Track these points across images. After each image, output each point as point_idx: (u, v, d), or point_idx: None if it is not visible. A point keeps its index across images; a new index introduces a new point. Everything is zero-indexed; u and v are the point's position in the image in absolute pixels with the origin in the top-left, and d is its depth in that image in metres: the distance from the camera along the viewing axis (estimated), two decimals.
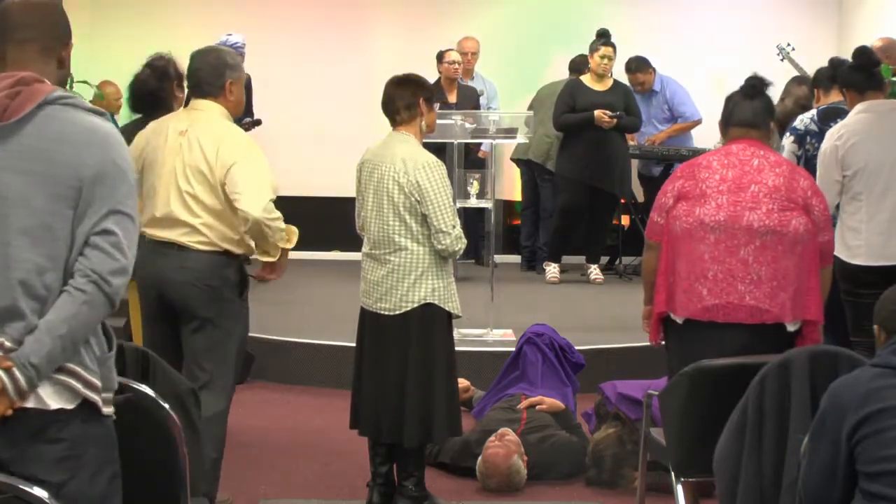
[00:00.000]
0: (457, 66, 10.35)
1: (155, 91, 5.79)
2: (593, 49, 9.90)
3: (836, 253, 5.92)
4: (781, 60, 9.62)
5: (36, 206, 3.04)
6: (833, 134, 6.04)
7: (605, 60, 9.87)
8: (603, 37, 9.97)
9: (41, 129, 3.07)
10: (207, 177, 5.07)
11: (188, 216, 5.10)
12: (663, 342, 5.07)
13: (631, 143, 10.71)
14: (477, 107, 9.94)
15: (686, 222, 4.89)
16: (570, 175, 10.07)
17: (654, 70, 10.83)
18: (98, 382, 3.12)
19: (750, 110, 5.01)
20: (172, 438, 3.59)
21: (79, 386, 3.08)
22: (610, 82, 10.03)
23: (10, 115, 3.05)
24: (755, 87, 5.10)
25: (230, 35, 9.93)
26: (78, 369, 3.08)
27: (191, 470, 3.73)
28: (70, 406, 3.07)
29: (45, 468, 3.05)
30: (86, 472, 3.11)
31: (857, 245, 5.94)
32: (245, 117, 8.75)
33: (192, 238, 5.11)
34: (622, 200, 10.62)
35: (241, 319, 5.32)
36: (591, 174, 9.93)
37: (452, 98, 10.18)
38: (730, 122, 5.04)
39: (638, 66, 10.78)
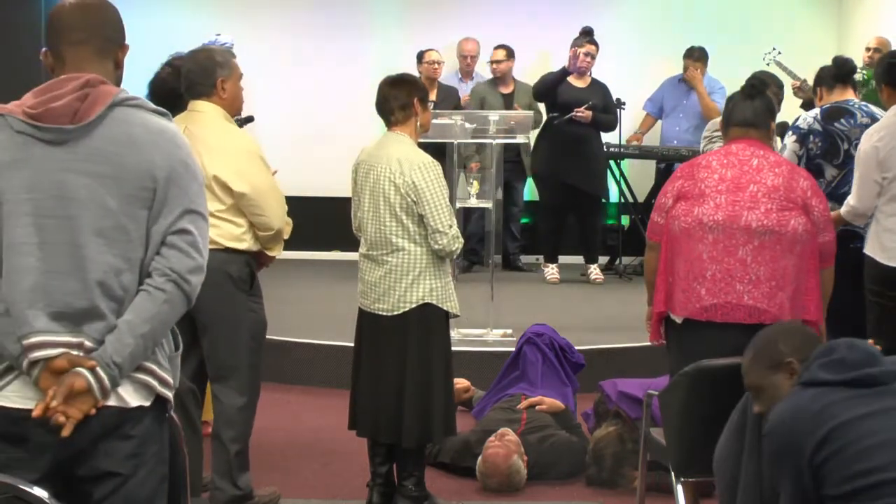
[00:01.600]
0: (436, 66, 10.38)
1: (175, 90, 5.81)
2: (576, 45, 9.94)
3: (869, 253, 5.92)
4: (767, 65, 9.62)
5: (109, 207, 3.08)
6: (872, 135, 5.98)
7: (588, 58, 9.91)
8: (587, 34, 10.02)
9: (109, 131, 3.10)
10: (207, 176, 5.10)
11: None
12: (664, 342, 5.07)
13: (635, 141, 10.77)
14: (457, 107, 9.93)
15: (685, 222, 4.89)
16: (548, 174, 10.12)
17: (706, 68, 10.88)
18: (171, 379, 3.21)
19: (750, 110, 5.01)
20: (173, 439, 3.59)
21: (155, 383, 3.15)
22: (589, 80, 10.10)
23: (80, 117, 3.08)
24: (755, 87, 5.10)
25: (218, 35, 9.89)
26: (154, 367, 3.15)
27: (191, 470, 3.73)
28: (147, 403, 3.14)
29: (116, 462, 3.10)
30: (144, 470, 3.17)
31: (893, 247, 5.89)
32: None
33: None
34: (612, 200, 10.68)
35: (252, 313, 5.38)
36: (569, 173, 9.97)
37: (432, 97, 10.19)
38: (730, 122, 5.04)
39: (700, 55, 10.83)
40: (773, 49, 9.82)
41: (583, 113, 9.87)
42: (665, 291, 4.94)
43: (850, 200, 5.99)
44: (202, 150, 5.06)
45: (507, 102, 10.47)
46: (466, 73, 11.12)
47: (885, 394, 3.25)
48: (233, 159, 5.14)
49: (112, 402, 3.06)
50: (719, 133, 5.58)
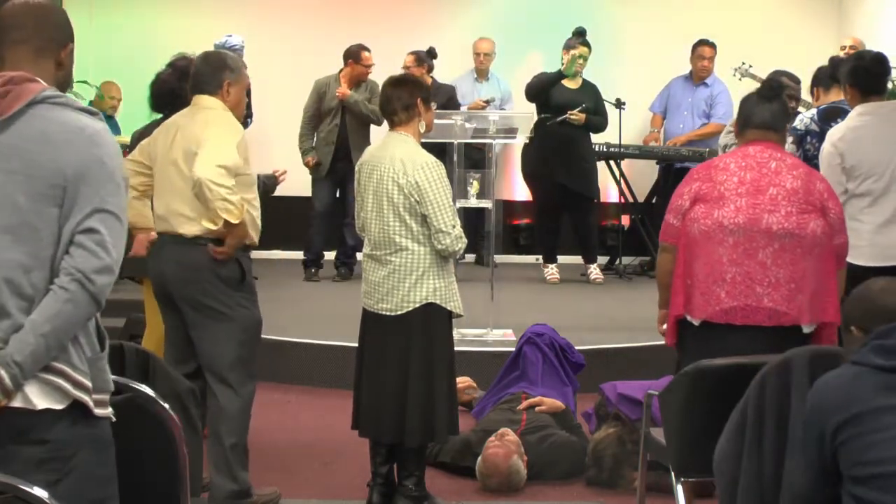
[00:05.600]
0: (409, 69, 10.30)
1: (176, 90, 5.82)
2: (569, 47, 9.94)
3: None
4: (740, 80, 9.63)
5: (18, 204, 3.05)
6: (833, 134, 6.05)
7: (581, 60, 9.92)
8: (580, 35, 10.03)
9: (24, 128, 3.08)
10: (191, 160, 5.18)
11: (187, 209, 5.20)
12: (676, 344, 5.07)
13: (653, 143, 10.79)
14: (446, 106, 9.93)
15: (704, 224, 4.88)
16: (539, 174, 10.14)
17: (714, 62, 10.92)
18: (88, 383, 3.10)
19: (769, 113, 5.01)
20: (173, 438, 3.59)
21: (68, 386, 3.06)
22: (580, 81, 10.12)
23: None
24: (773, 88, 5.11)
25: (230, 36, 9.95)
26: (66, 369, 3.06)
27: (190, 470, 3.73)
28: (59, 406, 3.06)
29: (24, 470, 3.01)
30: (76, 475, 3.09)
31: (860, 245, 5.94)
32: (247, 117, 8.76)
33: (191, 229, 5.21)
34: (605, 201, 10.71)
35: (242, 309, 5.37)
36: (558, 172, 9.99)
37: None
38: (748, 124, 5.04)
39: (712, 45, 10.90)
40: (743, 64, 9.80)
41: (576, 115, 9.89)
42: (683, 294, 4.92)
43: None
44: (193, 136, 5.17)
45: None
46: (481, 72, 11.13)
47: None
48: (210, 126, 5.20)
49: (17, 402, 3.00)
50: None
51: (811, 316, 4.86)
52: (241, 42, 9.97)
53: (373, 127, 10.10)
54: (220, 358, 5.31)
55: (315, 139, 10.23)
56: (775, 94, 5.08)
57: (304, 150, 10.19)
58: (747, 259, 4.83)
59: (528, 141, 8.99)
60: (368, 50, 10.21)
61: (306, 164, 10.13)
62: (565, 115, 9.89)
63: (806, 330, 4.89)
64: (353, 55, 10.17)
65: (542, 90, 9.97)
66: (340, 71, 10.21)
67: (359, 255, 10.01)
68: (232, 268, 5.29)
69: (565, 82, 10.04)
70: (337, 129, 10.14)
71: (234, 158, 5.16)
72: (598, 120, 10.16)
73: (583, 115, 9.93)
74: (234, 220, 5.15)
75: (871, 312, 3.48)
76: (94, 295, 3.06)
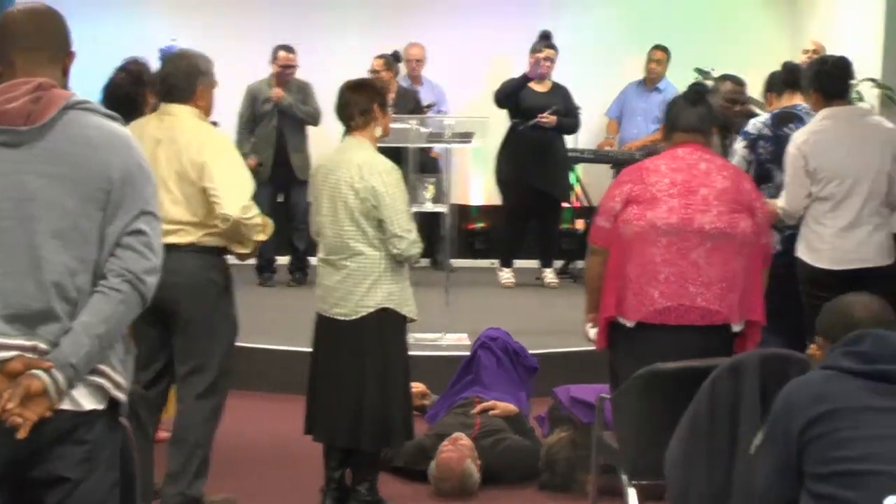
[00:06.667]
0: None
1: (130, 95, 5.79)
2: (535, 50, 9.98)
3: (800, 256, 6.04)
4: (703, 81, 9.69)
5: (67, 208, 3.09)
6: (798, 137, 6.10)
7: (547, 62, 9.96)
8: (545, 38, 10.07)
9: (65, 132, 3.12)
10: (186, 177, 5.16)
11: (172, 218, 5.15)
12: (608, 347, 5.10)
13: (608, 147, 10.83)
14: (414, 111, 9.94)
15: (637, 226, 4.92)
16: (513, 179, 10.15)
17: (667, 66, 10.99)
18: (124, 382, 3.18)
19: (695, 116, 5.08)
20: (125, 444, 3.57)
21: (109, 385, 3.13)
22: (550, 84, 10.15)
23: (34, 119, 3.09)
24: (699, 93, 5.18)
25: (174, 41, 9.87)
26: (107, 369, 3.13)
27: (143, 476, 3.71)
28: (101, 406, 3.13)
29: (69, 467, 3.09)
30: (95, 476, 3.15)
31: (821, 249, 6.01)
32: None
33: (180, 239, 5.18)
34: (566, 204, 10.71)
35: (227, 318, 5.40)
36: (534, 177, 10.01)
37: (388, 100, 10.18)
38: (675, 127, 5.10)
39: (664, 49, 10.99)
40: (707, 69, 9.87)
41: (547, 118, 9.91)
42: (616, 296, 4.96)
43: (779, 202, 6.10)
44: (182, 148, 5.16)
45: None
46: (414, 77, 11.12)
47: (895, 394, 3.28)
48: (204, 146, 5.19)
49: (66, 405, 3.04)
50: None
51: (740, 315, 4.94)
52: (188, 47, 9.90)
53: (310, 128, 10.11)
54: (203, 365, 5.30)
55: (252, 144, 10.16)
56: (701, 97, 5.15)
57: (244, 154, 10.10)
58: (680, 259, 4.88)
59: (480, 145, 9.01)
60: (289, 50, 10.20)
61: (249, 167, 10.05)
62: (536, 118, 9.90)
63: (735, 329, 4.96)
64: (273, 55, 10.19)
65: (510, 95, 9.98)
66: (271, 74, 10.21)
67: (311, 260, 10.03)
68: (221, 275, 5.31)
69: (535, 86, 10.05)
70: (275, 131, 10.12)
71: (250, 182, 5.28)
72: (569, 121, 10.18)
73: (553, 118, 9.94)
74: (266, 238, 5.33)
75: (839, 323, 3.53)
76: (144, 295, 3.15)
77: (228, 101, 10.23)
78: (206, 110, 5.37)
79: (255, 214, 5.20)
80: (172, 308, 5.19)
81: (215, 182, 5.12)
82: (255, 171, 10.01)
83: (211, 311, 5.27)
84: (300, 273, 10.38)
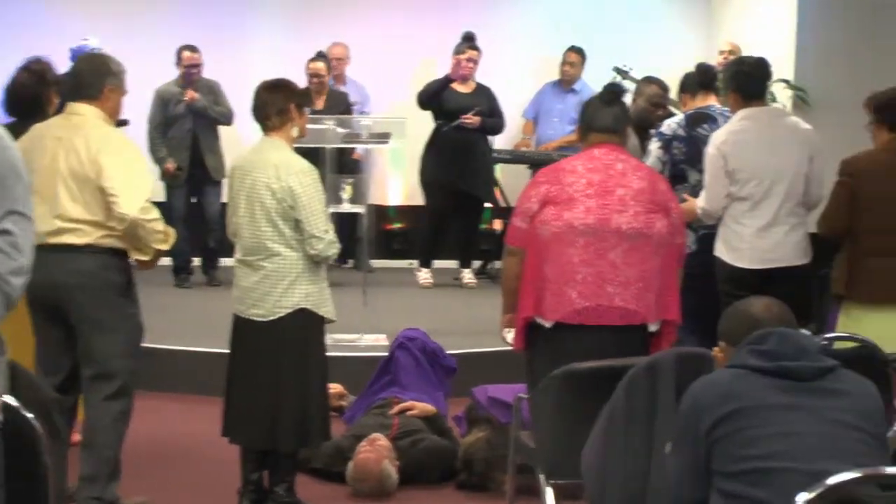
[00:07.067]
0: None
1: (34, 95, 5.72)
2: (458, 51, 10.00)
3: (718, 255, 6.10)
4: (618, 81, 9.76)
5: None
6: (717, 138, 6.16)
7: (470, 63, 9.99)
8: (469, 40, 10.11)
9: None
10: (85, 177, 5.13)
11: (70, 216, 5.14)
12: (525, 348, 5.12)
13: (525, 147, 10.86)
14: (347, 112, 9.93)
15: (555, 226, 4.93)
16: (436, 179, 10.15)
17: (583, 68, 11.01)
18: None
19: (611, 116, 5.10)
20: (37, 449, 3.53)
21: None
22: (473, 85, 10.17)
23: None
24: (614, 93, 5.21)
25: (86, 40, 9.77)
26: None
27: (56, 480, 3.67)
28: None
29: None
30: None
31: (741, 248, 6.08)
32: None
33: (78, 239, 5.16)
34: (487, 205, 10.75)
35: (130, 318, 5.37)
36: (458, 178, 10.03)
37: (320, 105, 10.16)
38: (591, 128, 5.12)
39: (579, 51, 11.02)
40: (625, 66, 9.94)
41: (470, 119, 9.93)
42: (533, 296, 4.97)
43: (699, 201, 6.16)
44: (83, 149, 5.12)
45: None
46: (338, 76, 11.10)
47: (800, 390, 3.30)
48: (105, 148, 5.16)
49: None
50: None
51: (657, 314, 4.98)
52: (99, 45, 9.81)
53: (222, 129, 10.06)
54: (107, 367, 5.27)
55: (167, 148, 10.09)
56: (616, 98, 5.18)
57: (161, 158, 10.03)
58: (598, 259, 4.91)
59: (398, 146, 9.00)
60: (193, 49, 10.15)
61: (166, 171, 10.00)
62: (459, 119, 9.91)
63: (652, 328, 5.00)
64: (177, 55, 10.15)
65: (433, 96, 9.99)
66: (178, 76, 10.17)
67: (222, 260, 9.98)
68: (121, 276, 5.28)
69: (458, 87, 10.06)
70: (189, 133, 10.06)
71: (150, 184, 5.27)
72: (493, 122, 10.19)
73: (477, 119, 9.96)
74: (167, 247, 5.28)
75: (741, 324, 3.56)
76: (9, 296, 3.04)
77: (141, 103, 10.20)
78: (112, 111, 5.34)
79: (154, 217, 5.18)
80: (70, 308, 5.19)
81: (113, 182, 5.11)
82: (175, 176, 9.96)
83: (110, 312, 5.25)
84: (212, 271, 10.32)
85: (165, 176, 10.05)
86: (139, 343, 5.48)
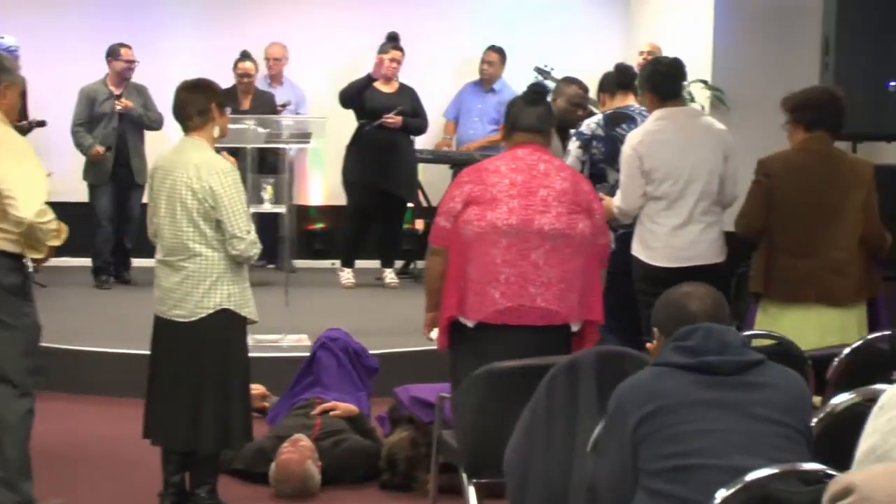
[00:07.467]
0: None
1: None
2: (382, 51, 10.01)
3: (635, 254, 6.16)
4: (543, 80, 9.83)
5: None
6: (633, 138, 6.21)
7: (394, 64, 10.00)
8: (392, 40, 10.12)
9: None
10: None
11: None
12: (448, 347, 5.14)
13: (446, 147, 10.89)
14: (273, 113, 9.89)
15: (478, 226, 4.96)
16: (358, 179, 10.15)
17: (503, 68, 11.02)
18: None
19: (535, 116, 5.13)
20: None
21: None
22: (397, 85, 10.18)
23: None
24: (538, 93, 5.25)
25: (1, 38, 9.66)
26: None
27: None
28: None
29: None
30: None
31: (656, 247, 6.14)
32: (21, 120, 8.53)
33: None
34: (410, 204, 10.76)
35: (26, 318, 5.31)
36: (381, 178, 10.03)
37: (246, 105, 10.13)
38: (515, 128, 5.15)
39: (498, 51, 11.03)
40: (546, 66, 10.00)
41: (392, 119, 9.92)
42: (456, 296, 4.99)
43: (616, 201, 6.22)
44: None
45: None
46: (274, 76, 11.07)
47: (723, 385, 3.32)
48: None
49: None
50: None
51: (579, 314, 5.02)
52: (16, 43, 9.70)
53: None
54: (5, 368, 5.22)
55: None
56: (540, 97, 5.22)
57: (87, 146, 9.93)
58: (520, 260, 4.94)
59: (318, 146, 8.99)
60: (128, 47, 10.10)
61: (95, 155, 9.87)
62: (381, 119, 9.91)
63: (574, 328, 5.04)
64: (113, 53, 10.07)
65: (355, 95, 9.97)
66: (107, 75, 10.08)
67: (138, 262, 9.90)
68: (16, 276, 5.22)
69: (381, 86, 10.06)
70: (114, 133, 9.97)
71: (46, 185, 5.18)
72: (416, 122, 10.20)
73: (398, 118, 9.95)
74: (60, 243, 5.24)
75: (673, 316, 3.57)
76: None
77: (63, 102, 10.11)
78: (9, 109, 5.28)
79: (50, 219, 5.15)
80: None
81: (9, 184, 5.05)
82: (100, 162, 9.87)
83: (6, 313, 5.21)
84: (125, 273, 10.24)
85: (93, 160, 9.93)
86: (37, 342, 5.43)
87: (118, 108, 9.89)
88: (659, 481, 3.27)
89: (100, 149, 9.88)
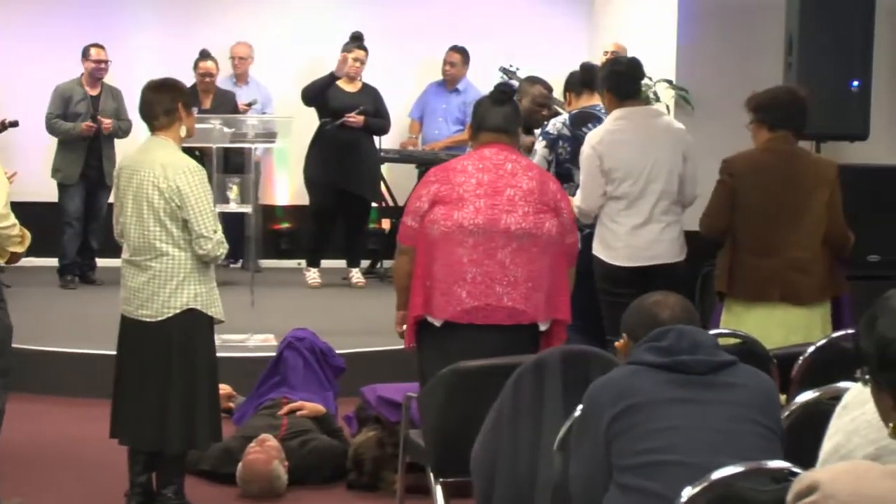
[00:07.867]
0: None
1: None
2: (346, 50, 10.01)
3: (596, 253, 6.18)
4: (509, 80, 9.84)
5: None
6: (592, 138, 6.23)
7: (357, 63, 10.00)
8: (356, 40, 10.13)
9: None
10: None
11: None
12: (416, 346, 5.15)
13: (411, 147, 10.90)
14: (234, 112, 9.87)
15: (444, 226, 4.97)
16: (320, 179, 10.14)
17: (466, 68, 11.03)
18: None
19: (501, 116, 5.15)
20: None
21: None
22: (360, 84, 10.18)
23: None
24: (505, 93, 5.26)
25: None
26: None
27: None
28: None
29: None
30: None
31: (617, 246, 6.17)
32: None
33: None
34: (374, 204, 10.76)
35: None
36: (342, 177, 10.02)
37: (207, 104, 10.11)
38: (482, 128, 5.17)
39: (461, 51, 11.03)
40: (511, 66, 10.01)
41: (354, 118, 9.92)
42: (423, 295, 5.01)
43: (576, 200, 6.24)
44: None
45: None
46: (239, 76, 11.04)
47: (696, 384, 3.35)
48: None
49: None
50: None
51: (546, 314, 5.04)
52: None
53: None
54: None
55: (61, 146, 9.99)
56: (506, 97, 5.24)
57: (69, 128, 9.88)
58: (487, 259, 4.95)
59: (282, 146, 8.99)
60: (101, 47, 10.08)
61: (87, 129, 9.80)
62: (343, 118, 9.91)
63: (542, 327, 5.06)
64: (84, 52, 10.06)
65: (317, 93, 9.97)
66: (82, 74, 10.04)
67: (103, 262, 9.87)
68: None
69: (344, 85, 10.06)
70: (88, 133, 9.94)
71: (7, 190, 5.20)
72: (378, 122, 10.19)
73: (360, 118, 9.95)
74: (23, 250, 5.28)
75: (643, 323, 3.60)
76: None
77: (30, 101, 10.07)
78: None
79: (11, 224, 5.16)
80: None
81: None
82: (72, 161, 9.82)
83: None
84: (90, 273, 10.21)
85: (85, 134, 9.85)
86: (8, 344, 5.43)
87: (104, 130, 9.87)
88: (631, 476, 3.29)
89: (88, 124, 9.83)
